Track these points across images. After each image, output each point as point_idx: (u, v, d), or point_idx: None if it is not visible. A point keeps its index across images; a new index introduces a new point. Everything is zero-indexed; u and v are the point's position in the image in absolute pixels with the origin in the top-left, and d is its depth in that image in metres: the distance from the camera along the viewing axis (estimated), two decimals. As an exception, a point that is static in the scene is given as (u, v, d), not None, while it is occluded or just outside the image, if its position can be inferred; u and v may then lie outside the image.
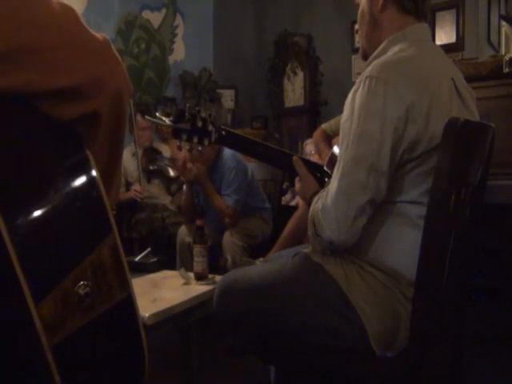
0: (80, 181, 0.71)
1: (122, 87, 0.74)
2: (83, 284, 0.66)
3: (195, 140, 1.36)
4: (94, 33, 0.70)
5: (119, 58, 0.73)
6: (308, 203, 1.34)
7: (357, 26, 1.34)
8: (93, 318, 0.68)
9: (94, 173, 0.71)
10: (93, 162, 0.71)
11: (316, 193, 1.32)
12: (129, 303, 0.74)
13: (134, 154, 3.55)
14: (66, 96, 0.68)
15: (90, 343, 0.71)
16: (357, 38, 1.37)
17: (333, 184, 1.12)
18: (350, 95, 1.16)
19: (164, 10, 4.69)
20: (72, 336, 0.66)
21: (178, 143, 1.38)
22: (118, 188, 0.86)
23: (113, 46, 0.73)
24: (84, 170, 0.71)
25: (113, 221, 0.72)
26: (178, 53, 4.83)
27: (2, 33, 0.62)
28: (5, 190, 0.62)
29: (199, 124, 1.35)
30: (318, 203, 1.15)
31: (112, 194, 0.80)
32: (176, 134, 1.35)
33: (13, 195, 0.64)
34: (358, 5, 1.30)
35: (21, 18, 0.64)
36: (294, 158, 1.39)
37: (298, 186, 1.39)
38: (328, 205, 1.11)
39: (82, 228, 0.70)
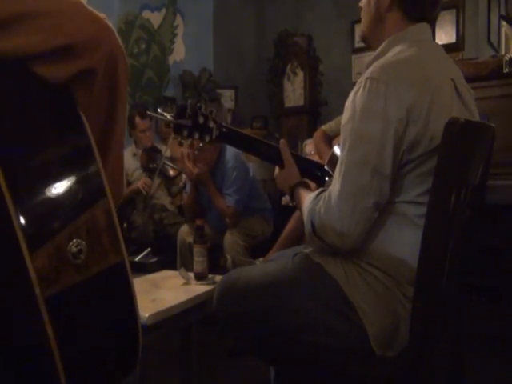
0: (73, 142, 0.76)
1: (115, 50, 0.79)
2: (77, 242, 0.69)
3: (196, 136, 1.35)
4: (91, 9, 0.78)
5: (114, 30, 0.80)
6: (289, 193, 1.35)
7: (361, 3, 1.30)
8: (87, 277, 0.71)
9: (87, 135, 0.75)
10: (86, 125, 0.76)
11: (299, 183, 1.33)
12: (123, 268, 0.76)
13: (135, 155, 3.56)
14: (62, 55, 0.74)
15: (84, 302, 0.73)
16: (361, 14, 1.32)
17: (335, 187, 1.12)
18: (350, 97, 1.15)
19: (164, 10, 4.69)
20: (65, 291, 0.69)
21: (179, 139, 1.38)
22: (116, 159, 0.89)
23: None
24: (77, 132, 0.76)
25: (107, 186, 0.75)
26: (178, 53, 4.83)
27: (4, 3, 0.71)
28: (5, 148, 0.67)
29: (200, 120, 1.34)
30: (318, 204, 1.14)
31: (109, 165, 0.84)
32: (177, 129, 1.34)
33: (11, 153, 0.69)
34: None
35: None
36: (282, 141, 1.39)
37: (277, 172, 1.39)
38: (332, 208, 1.10)
39: (74, 187, 0.74)
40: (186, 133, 1.35)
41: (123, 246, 0.76)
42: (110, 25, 0.79)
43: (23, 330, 0.70)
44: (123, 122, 0.87)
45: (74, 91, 0.77)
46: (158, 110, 2.97)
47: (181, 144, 1.40)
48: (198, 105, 1.35)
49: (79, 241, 0.70)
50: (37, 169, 0.71)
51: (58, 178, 0.72)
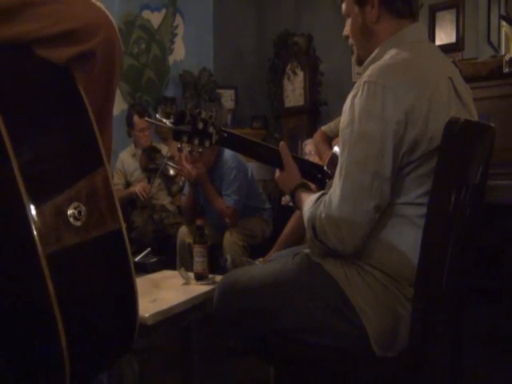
0: (74, 114, 0.81)
1: (113, 35, 0.84)
2: (77, 204, 0.74)
3: (196, 142, 1.35)
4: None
5: (113, 20, 0.85)
6: (290, 194, 1.35)
7: (346, 32, 1.34)
8: (86, 239, 0.75)
9: (86, 108, 0.81)
10: (86, 100, 0.82)
11: (299, 185, 1.33)
12: (120, 235, 0.81)
13: (134, 155, 3.56)
14: (64, 39, 0.79)
15: (83, 263, 0.77)
16: (350, 41, 1.37)
17: (335, 191, 1.12)
18: (348, 100, 1.15)
19: (164, 10, 4.69)
20: (66, 251, 0.72)
21: (179, 145, 1.38)
22: (109, 137, 0.94)
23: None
24: (78, 106, 0.82)
25: (104, 156, 0.81)
26: (178, 53, 4.83)
27: None
28: (11, 115, 0.73)
29: (200, 126, 1.34)
30: (319, 209, 1.14)
31: (105, 140, 0.88)
32: (177, 135, 1.34)
33: (17, 120, 0.74)
34: (347, 16, 1.31)
35: None
36: (281, 143, 1.39)
37: (278, 174, 1.39)
38: (333, 213, 1.10)
39: (74, 154, 0.79)
40: (185, 138, 1.35)
41: (120, 213, 0.80)
42: (107, 13, 0.84)
43: (25, 286, 0.72)
44: (114, 100, 0.93)
45: (75, 71, 0.82)
46: (157, 115, 2.95)
47: (180, 150, 1.40)
48: (197, 110, 1.35)
49: (79, 204, 0.74)
50: (39, 135, 0.75)
51: (60, 145, 0.77)
